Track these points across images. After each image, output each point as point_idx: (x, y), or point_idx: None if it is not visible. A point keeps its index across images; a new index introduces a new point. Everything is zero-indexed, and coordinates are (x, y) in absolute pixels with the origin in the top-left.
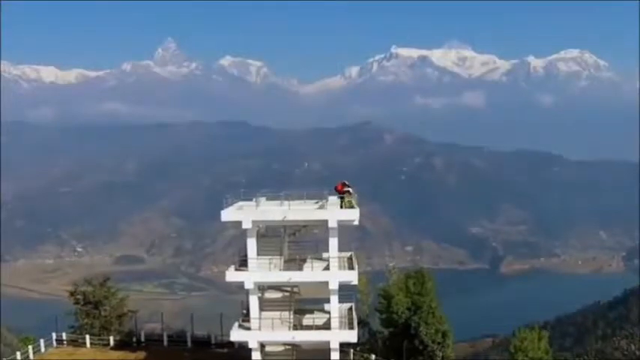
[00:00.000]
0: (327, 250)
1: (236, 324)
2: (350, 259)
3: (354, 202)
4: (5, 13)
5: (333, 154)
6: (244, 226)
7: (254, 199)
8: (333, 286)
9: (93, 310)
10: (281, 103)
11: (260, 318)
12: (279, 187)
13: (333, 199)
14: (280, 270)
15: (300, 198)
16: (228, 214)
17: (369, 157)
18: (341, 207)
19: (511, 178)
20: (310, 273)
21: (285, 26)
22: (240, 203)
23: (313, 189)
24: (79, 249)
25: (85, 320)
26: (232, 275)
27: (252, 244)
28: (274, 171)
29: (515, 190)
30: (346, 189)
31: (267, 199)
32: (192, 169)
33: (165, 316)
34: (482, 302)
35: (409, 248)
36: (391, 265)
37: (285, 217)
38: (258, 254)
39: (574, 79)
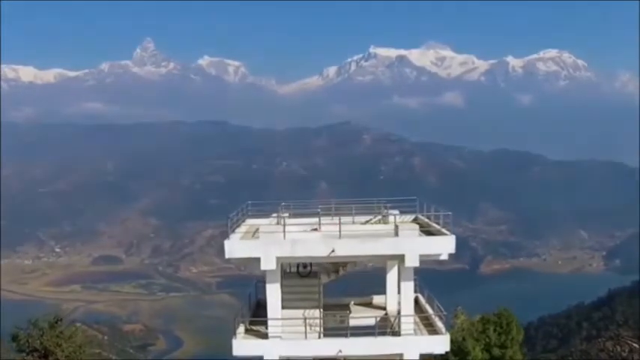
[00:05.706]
0: (375, 289)
1: None
2: (418, 306)
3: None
4: None
5: (312, 154)
6: (265, 266)
7: (275, 216)
8: (410, 357)
9: None
10: (260, 103)
11: None
12: (259, 187)
13: (408, 222)
14: (320, 336)
15: (346, 212)
16: (236, 248)
17: (347, 157)
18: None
19: (491, 178)
20: (373, 342)
21: (263, 26)
22: (250, 223)
23: (294, 189)
24: (58, 249)
25: None
26: (242, 347)
27: (274, 294)
28: (254, 171)
29: (495, 189)
30: None
31: (291, 215)
32: (171, 169)
33: (144, 317)
34: (462, 303)
35: None
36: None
37: (333, 251)
38: (282, 306)
39: (553, 79)
